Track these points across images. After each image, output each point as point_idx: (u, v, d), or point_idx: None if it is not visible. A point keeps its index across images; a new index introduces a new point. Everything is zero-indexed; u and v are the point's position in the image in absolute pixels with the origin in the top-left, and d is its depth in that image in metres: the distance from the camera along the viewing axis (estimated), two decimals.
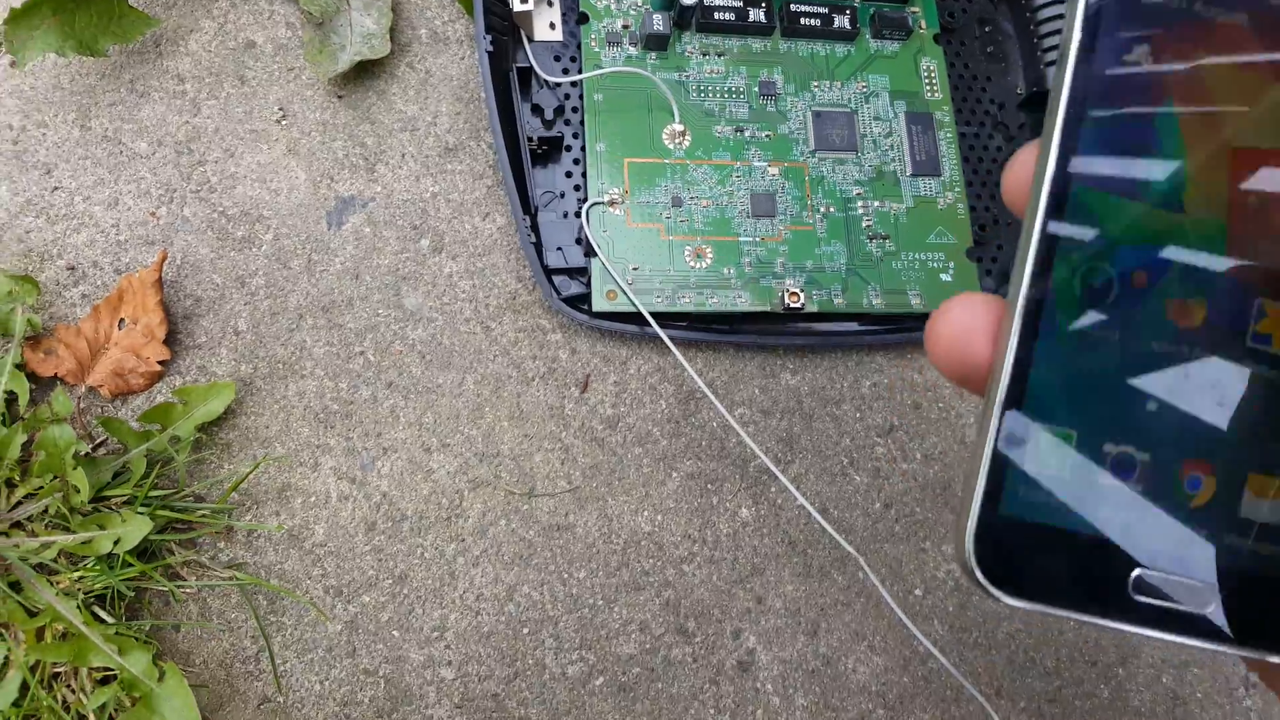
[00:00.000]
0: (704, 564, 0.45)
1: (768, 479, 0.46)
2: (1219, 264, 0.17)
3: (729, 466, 0.46)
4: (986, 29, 0.52)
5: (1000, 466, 0.16)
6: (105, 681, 0.39)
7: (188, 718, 0.37)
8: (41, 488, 0.39)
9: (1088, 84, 0.17)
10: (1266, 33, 0.17)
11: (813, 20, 0.48)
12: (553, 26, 0.48)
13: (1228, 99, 0.17)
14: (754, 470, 0.46)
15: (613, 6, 0.48)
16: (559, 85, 0.47)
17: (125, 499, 0.41)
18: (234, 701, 0.41)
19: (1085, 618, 0.16)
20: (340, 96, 0.48)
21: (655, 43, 0.47)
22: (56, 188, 0.45)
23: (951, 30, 0.52)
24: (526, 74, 0.47)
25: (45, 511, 0.40)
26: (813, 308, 0.46)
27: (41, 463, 0.39)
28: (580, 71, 0.47)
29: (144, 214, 0.45)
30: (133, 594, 0.41)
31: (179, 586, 0.41)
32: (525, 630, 0.43)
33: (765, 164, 0.47)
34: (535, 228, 0.45)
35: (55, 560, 0.39)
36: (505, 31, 0.47)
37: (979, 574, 0.16)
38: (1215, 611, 0.16)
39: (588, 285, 0.45)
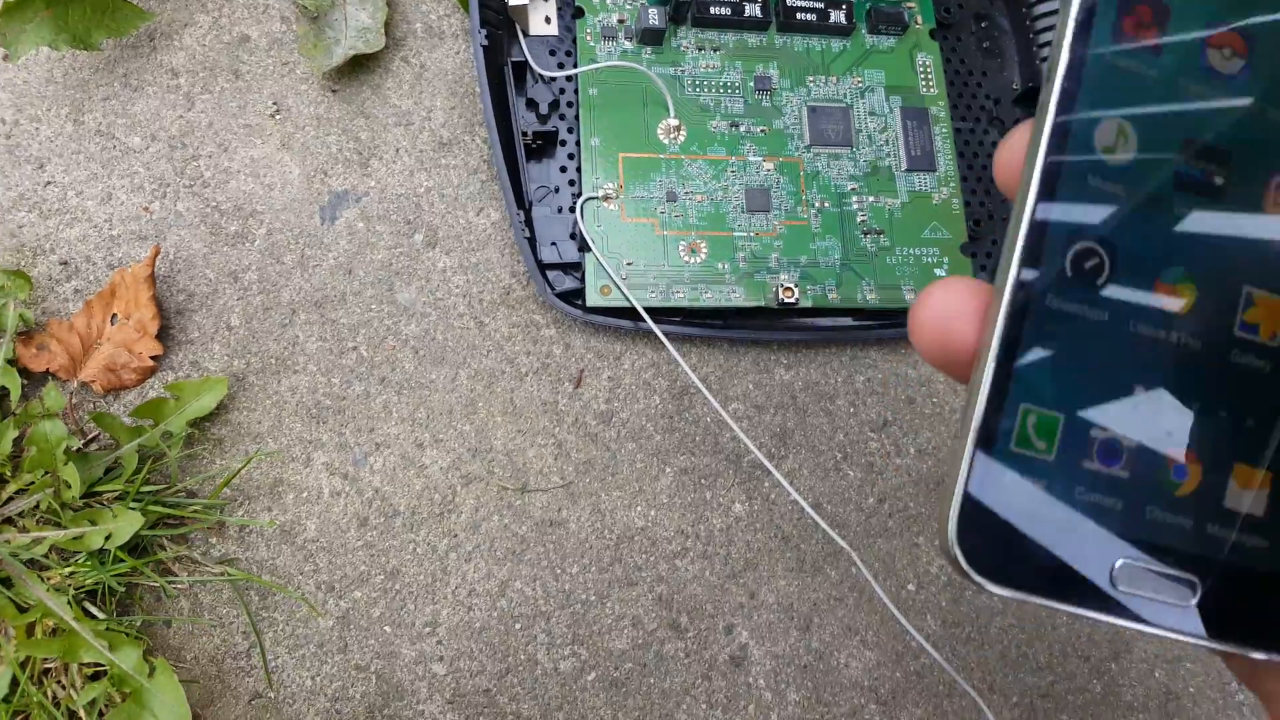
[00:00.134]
0: (697, 559, 0.45)
1: (761, 474, 0.46)
2: (1207, 252, 0.17)
3: (722, 462, 0.46)
4: (983, 24, 0.52)
5: (985, 450, 0.16)
6: (96, 677, 0.39)
7: (178, 713, 0.37)
8: (33, 483, 0.39)
9: (1082, 66, 0.17)
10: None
11: (808, 15, 0.48)
12: (548, 21, 0.47)
13: (1218, 85, 0.17)
14: (747, 465, 0.46)
15: (608, 1, 0.48)
16: (554, 80, 0.47)
17: (117, 494, 0.41)
18: (225, 697, 0.41)
19: (1067, 608, 0.16)
20: (334, 91, 0.48)
21: (651, 37, 0.47)
22: (49, 182, 0.45)
23: (947, 25, 0.51)
24: (521, 68, 0.47)
25: (36, 507, 0.40)
26: (807, 303, 0.46)
27: (33, 458, 0.39)
28: (575, 66, 0.47)
29: (137, 209, 0.45)
30: (124, 589, 0.41)
31: (170, 582, 0.41)
32: (517, 625, 0.43)
33: (760, 159, 0.47)
34: (529, 223, 0.45)
35: (46, 556, 0.39)
36: (500, 26, 0.46)
37: (961, 559, 0.16)
38: (1197, 605, 0.16)
39: (582, 280, 0.45)
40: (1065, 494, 0.16)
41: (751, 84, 0.48)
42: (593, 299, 0.44)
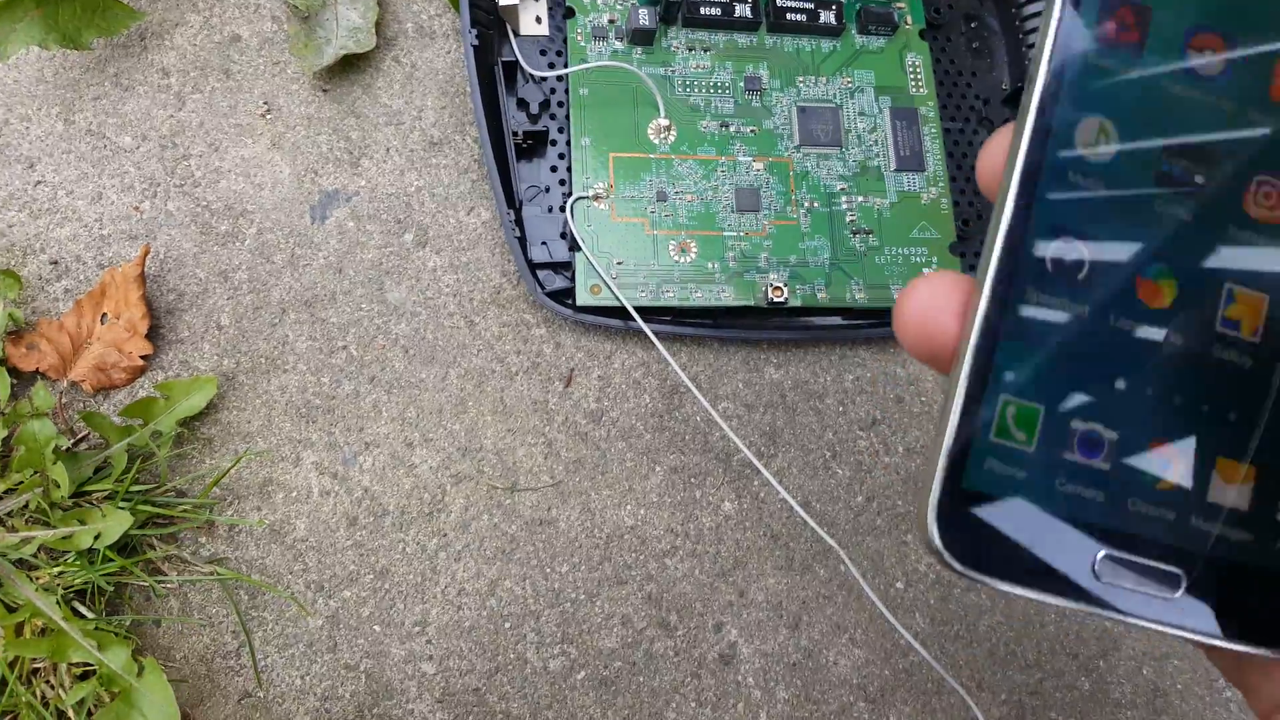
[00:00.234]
0: (686, 558, 0.45)
1: (750, 473, 0.46)
2: (1189, 249, 0.17)
3: (712, 460, 0.46)
4: (972, 25, 0.52)
5: (965, 438, 0.16)
6: (84, 677, 0.39)
7: (167, 713, 0.37)
8: (21, 483, 0.39)
9: (1064, 66, 0.17)
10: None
11: (799, 16, 0.49)
12: (538, 21, 0.48)
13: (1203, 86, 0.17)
14: (737, 464, 0.46)
15: (599, 1, 0.48)
16: (544, 80, 0.47)
17: (106, 494, 0.41)
18: (214, 697, 0.41)
19: (1048, 598, 0.16)
20: (325, 90, 0.48)
21: (641, 37, 0.47)
22: (39, 182, 0.45)
23: (937, 26, 0.52)
24: (512, 68, 0.47)
25: (25, 507, 0.40)
26: (796, 302, 0.46)
27: (22, 457, 0.39)
28: (566, 66, 0.47)
29: (127, 208, 0.45)
30: (113, 589, 0.41)
31: (160, 581, 0.41)
32: (507, 625, 0.43)
33: (750, 159, 0.47)
34: (520, 222, 0.45)
35: (35, 555, 0.39)
36: (491, 26, 0.47)
37: (938, 543, 0.16)
38: (1181, 597, 0.16)
39: (572, 280, 0.45)
40: (1046, 485, 0.16)
41: (741, 84, 0.48)
42: (583, 298, 0.44)
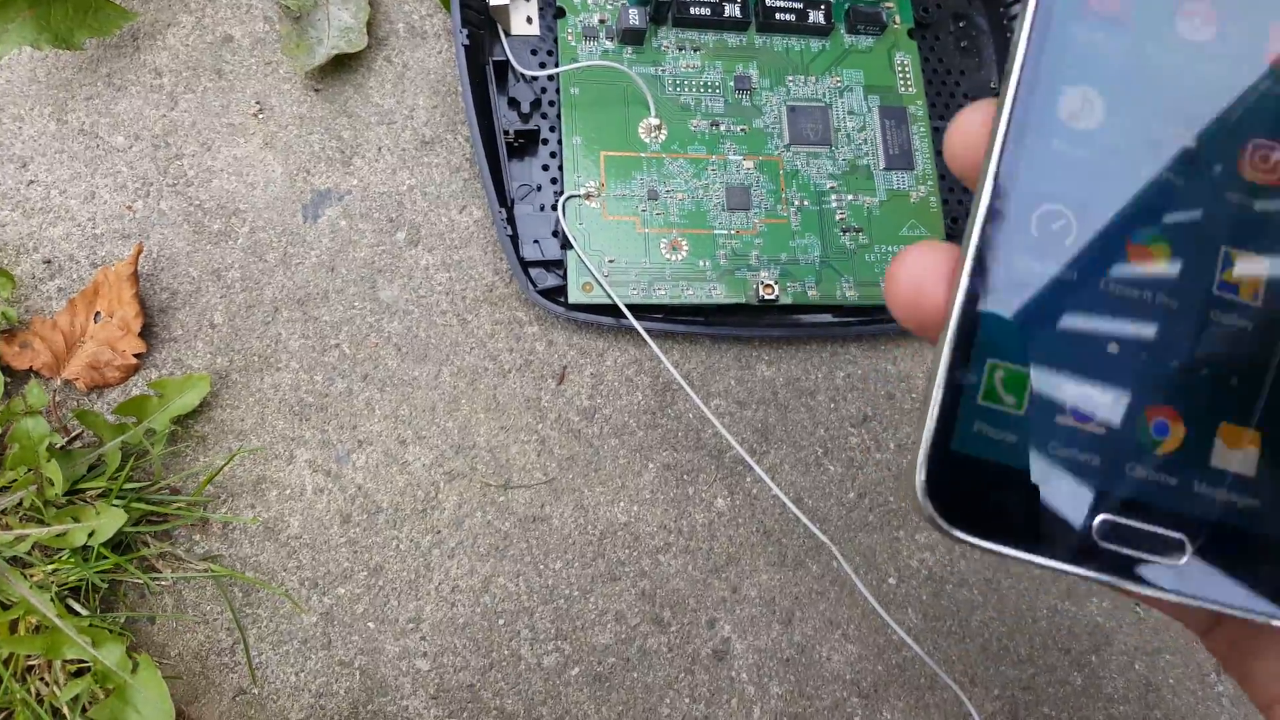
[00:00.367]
0: (679, 554, 0.45)
1: (743, 469, 0.46)
2: (1182, 214, 0.17)
3: (705, 457, 0.46)
4: (960, 24, 0.53)
5: (952, 401, 0.16)
6: (79, 674, 0.39)
7: (162, 710, 0.37)
8: (15, 480, 0.39)
9: (1048, 32, 0.17)
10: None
11: (788, 15, 0.49)
12: (529, 20, 0.48)
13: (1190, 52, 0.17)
14: (729, 461, 0.46)
15: (589, 1, 0.48)
16: (535, 79, 0.47)
17: (100, 492, 0.41)
18: (209, 694, 0.41)
19: (1045, 560, 0.16)
20: (317, 90, 0.48)
21: (632, 37, 0.48)
22: (32, 181, 0.45)
23: (926, 25, 0.52)
24: (503, 68, 0.47)
25: (19, 504, 0.40)
26: (787, 300, 0.46)
27: (15, 455, 0.39)
28: (557, 65, 0.47)
29: (120, 207, 0.45)
30: (107, 586, 0.41)
31: (154, 579, 0.41)
32: (501, 621, 0.43)
33: (740, 158, 0.48)
34: (512, 220, 0.46)
35: (29, 553, 0.39)
36: (482, 25, 0.47)
37: (928, 505, 0.16)
38: (1185, 564, 0.16)
39: (564, 277, 0.45)
40: (1040, 449, 0.16)
41: (731, 83, 0.48)
42: (575, 296, 0.45)
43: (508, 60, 0.47)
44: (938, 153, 0.50)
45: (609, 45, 0.48)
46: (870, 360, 0.49)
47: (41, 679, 0.39)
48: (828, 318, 0.48)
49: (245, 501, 0.43)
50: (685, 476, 0.46)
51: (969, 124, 0.17)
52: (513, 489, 0.45)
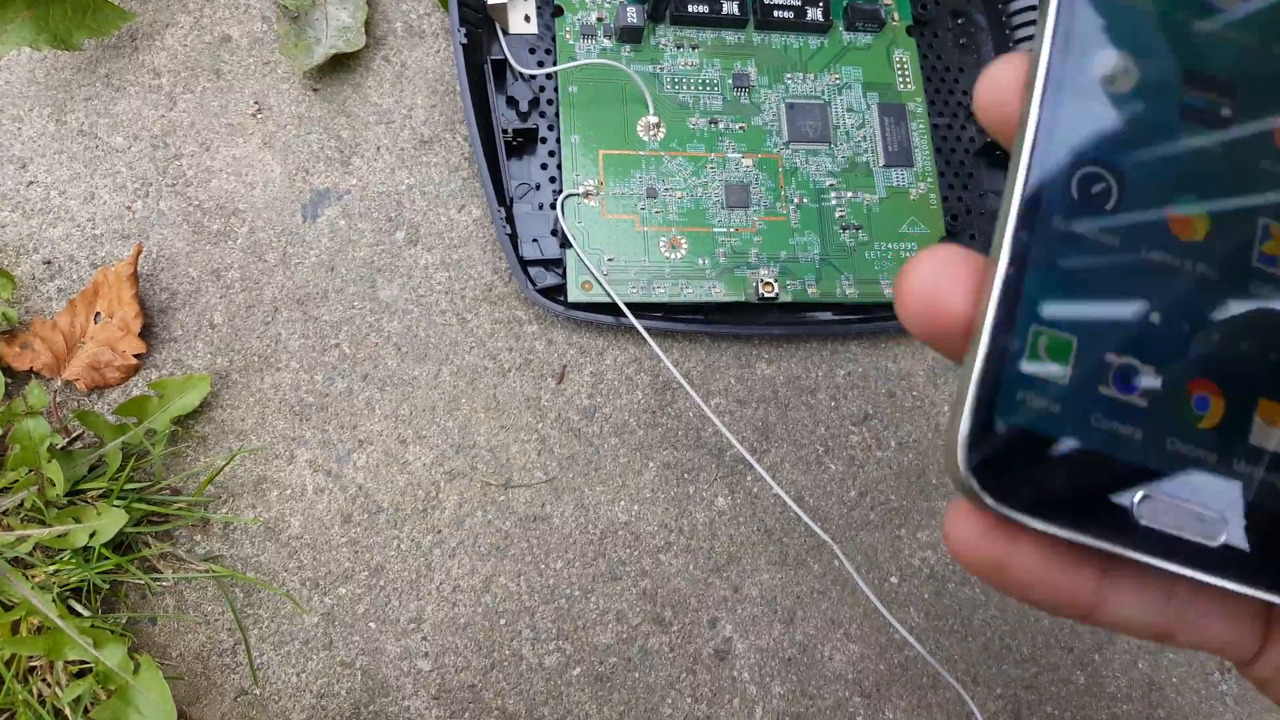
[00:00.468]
0: (680, 553, 0.45)
1: (744, 468, 0.46)
2: (1219, 183, 0.16)
3: (705, 456, 0.46)
4: (959, 21, 0.53)
5: (995, 368, 0.15)
6: (81, 674, 0.39)
7: (163, 710, 0.37)
8: (16, 481, 0.39)
9: None
10: None
11: (786, 13, 0.49)
12: (527, 19, 0.48)
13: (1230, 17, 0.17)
14: (730, 459, 0.46)
15: None
16: (534, 78, 0.47)
17: (101, 492, 0.41)
18: (210, 694, 0.41)
19: (1086, 538, 0.15)
20: (315, 90, 0.48)
21: (630, 35, 0.47)
22: (32, 182, 0.45)
23: (924, 22, 0.52)
24: (501, 66, 0.47)
25: (20, 505, 0.40)
26: (787, 298, 0.46)
27: (16, 456, 0.39)
28: (555, 64, 0.47)
29: (120, 208, 0.45)
30: (108, 587, 0.41)
31: (155, 579, 0.41)
32: (502, 621, 0.43)
33: (739, 155, 0.48)
34: (511, 219, 0.45)
35: (30, 554, 0.39)
36: (480, 24, 0.47)
37: (971, 478, 0.15)
38: (1222, 544, 0.15)
39: (563, 276, 0.45)
40: (1083, 420, 0.16)
41: (730, 81, 0.48)
42: (574, 295, 0.45)
43: (506, 59, 0.46)
44: (937, 149, 0.50)
45: (607, 43, 0.48)
46: (871, 358, 0.49)
47: (43, 680, 0.39)
48: (828, 315, 0.48)
49: (246, 502, 0.43)
50: (686, 475, 0.46)
51: (1000, 77, 0.17)
52: (513, 488, 0.45)
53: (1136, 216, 0.16)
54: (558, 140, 0.47)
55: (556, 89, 0.47)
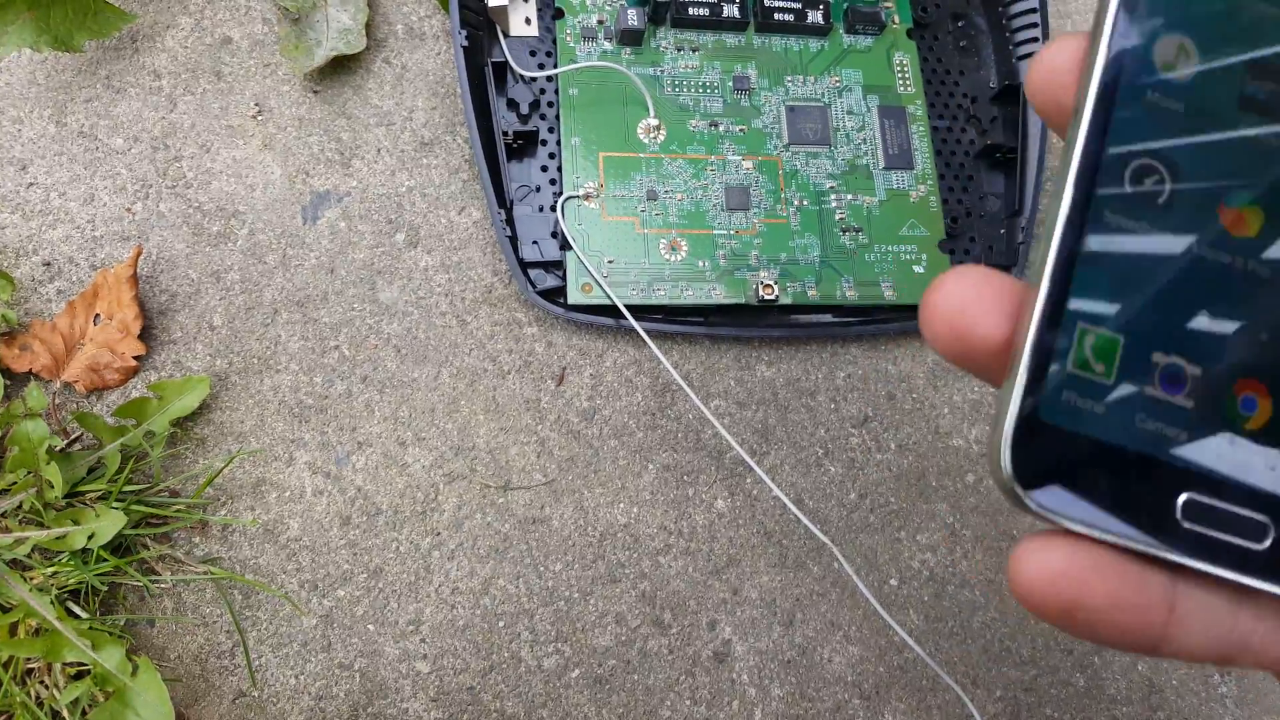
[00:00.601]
0: (680, 555, 0.45)
1: (743, 470, 0.46)
2: (1276, 178, 0.16)
3: (705, 458, 0.46)
4: (959, 23, 0.53)
5: (1041, 367, 0.15)
6: (79, 677, 0.39)
7: (161, 712, 0.37)
8: (15, 483, 0.39)
9: None
10: None
11: (786, 15, 0.49)
12: (528, 22, 0.48)
13: None
14: (729, 462, 0.46)
15: (588, 2, 0.48)
16: (534, 80, 0.47)
17: (100, 494, 0.41)
18: (209, 696, 0.41)
19: (1129, 542, 0.15)
20: (316, 92, 0.48)
21: (630, 38, 0.47)
22: (32, 184, 0.45)
23: (924, 25, 0.52)
24: (502, 69, 0.47)
25: (19, 507, 0.40)
26: (787, 300, 0.46)
27: (15, 458, 0.39)
28: (555, 66, 0.47)
29: (119, 209, 0.45)
30: (107, 589, 0.41)
31: (153, 581, 0.41)
32: (501, 623, 0.43)
33: (739, 158, 0.48)
34: (511, 221, 0.45)
35: (29, 556, 0.39)
36: (480, 27, 0.47)
37: (1015, 482, 0.15)
38: (1268, 548, 0.15)
39: (563, 278, 0.45)
40: (1127, 421, 0.15)
41: (730, 84, 0.48)
42: (574, 297, 0.45)
43: (506, 61, 0.47)
44: (937, 152, 0.50)
45: (607, 46, 0.48)
46: (870, 360, 0.49)
47: (41, 682, 0.39)
48: (828, 318, 0.48)
49: (245, 504, 0.43)
50: (685, 477, 0.46)
51: (1057, 59, 0.17)
52: (512, 490, 0.45)
53: (1189, 210, 0.16)
54: (558, 142, 0.47)
55: (557, 91, 0.47)
